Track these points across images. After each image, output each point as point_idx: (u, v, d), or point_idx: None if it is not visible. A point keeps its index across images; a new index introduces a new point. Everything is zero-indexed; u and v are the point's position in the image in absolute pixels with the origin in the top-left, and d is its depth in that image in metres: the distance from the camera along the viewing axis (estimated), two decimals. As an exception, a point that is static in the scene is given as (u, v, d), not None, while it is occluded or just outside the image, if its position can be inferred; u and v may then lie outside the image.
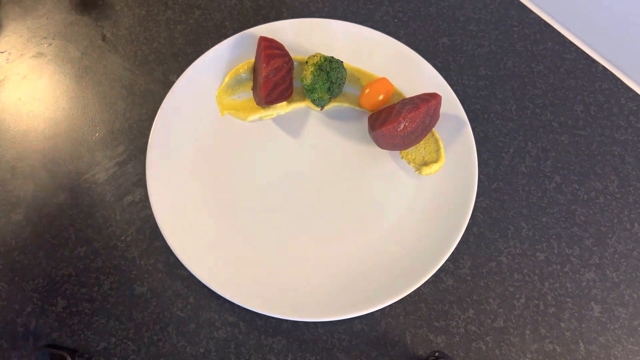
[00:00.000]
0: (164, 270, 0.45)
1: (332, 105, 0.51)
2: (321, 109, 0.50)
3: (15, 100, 0.52)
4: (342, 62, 0.48)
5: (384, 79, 0.49)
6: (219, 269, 0.43)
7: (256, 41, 0.52)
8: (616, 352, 0.44)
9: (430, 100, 0.44)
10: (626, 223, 0.49)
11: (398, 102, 0.46)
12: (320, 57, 0.47)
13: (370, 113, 0.50)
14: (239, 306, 0.44)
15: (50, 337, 0.43)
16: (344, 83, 0.49)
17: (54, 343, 0.42)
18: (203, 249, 0.44)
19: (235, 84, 0.50)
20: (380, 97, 0.48)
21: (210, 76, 0.50)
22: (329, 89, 0.47)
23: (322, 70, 0.46)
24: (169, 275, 0.45)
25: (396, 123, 0.43)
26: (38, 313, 0.43)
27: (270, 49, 0.46)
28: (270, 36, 0.52)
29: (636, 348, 0.44)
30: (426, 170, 0.47)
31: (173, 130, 0.48)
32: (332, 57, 0.47)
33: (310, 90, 0.47)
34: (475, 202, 0.46)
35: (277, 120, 0.50)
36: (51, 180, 0.49)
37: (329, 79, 0.47)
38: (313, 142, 0.50)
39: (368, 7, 0.58)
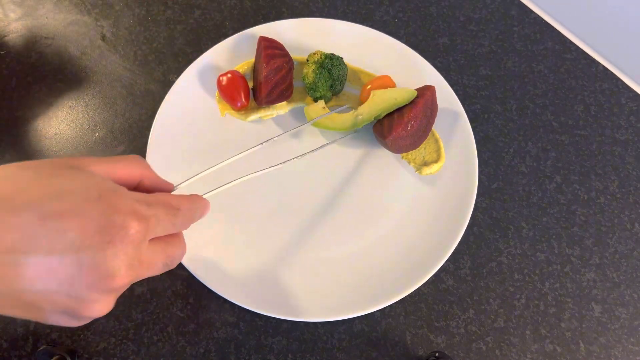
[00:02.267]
0: (163, 270, 0.45)
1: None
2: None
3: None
4: (342, 58, 0.48)
5: (386, 76, 0.48)
6: (219, 269, 0.43)
7: (256, 41, 0.52)
8: (616, 353, 0.44)
9: (426, 93, 0.45)
10: (626, 223, 0.49)
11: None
12: (321, 55, 0.47)
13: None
14: (239, 306, 0.44)
15: (50, 337, 0.43)
16: (345, 79, 0.49)
17: (54, 343, 0.42)
18: (203, 249, 0.44)
19: (235, 84, 0.50)
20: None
21: (210, 76, 0.50)
22: (331, 86, 0.47)
23: (323, 68, 0.46)
24: (169, 275, 0.45)
25: (403, 124, 0.44)
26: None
27: (270, 49, 0.46)
28: (270, 36, 0.52)
29: (636, 348, 0.44)
30: (426, 170, 0.47)
31: (173, 130, 0.48)
32: (333, 54, 0.47)
33: (312, 88, 0.47)
34: (475, 202, 0.46)
35: (277, 120, 0.50)
36: (51, 180, 0.48)
37: (330, 76, 0.47)
38: (313, 142, 0.49)
39: (368, 7, 0.58)
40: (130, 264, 0.24)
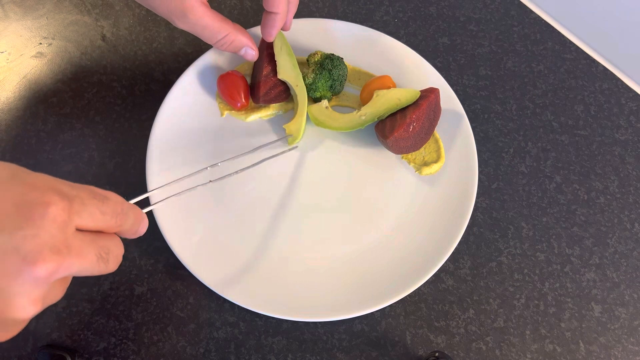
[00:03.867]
0: (164, 270, 0.45)
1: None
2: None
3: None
4: (342, 58, 0.48)
5: (386, 77, 0.48)
6: (219, 268, 0.43)
7: (256, 41, 0.52)
8: (616, 353, 0.44)
9: (430, 95, 0.45)
10: (626, 223, 0.49)
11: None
12: (321, 55, 0.47)
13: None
14: (239, 306, 0.44)
15: (50, 337, 0.43)
16: (345, 80, 0.49)
17: (54, 343, 0.42)
18: (203, 249, 0.44)
19: (235, 84, 0.50)
20: (381, 96, 0.48)
21: (210, 76, 0.50)
22: (331, 86, 0.47)
23: (323, 68, 0.46)
24: (169, 275, 0.45)
25: (405, 125, 0.43)
26: (38, 313, 0.43)
27: (271, 49, 0.47)
28: (270, 36, 0.52)
29: (636, 348, 0.44)
30: (426, 170, 0.47)
31: (173, 131, 0.48)
32: (333, 54, 0.47)
33: (312, 88, 0.47)
34: (475, 202, 0.46)
35: (278, 120, 0.50)
36: (51, 180, 0.48)
37: (330, 76, 0.47)
38: (313, 142, 0.49)
39: (368, 7, 0.58)
40: (54, 246, 0.21)
